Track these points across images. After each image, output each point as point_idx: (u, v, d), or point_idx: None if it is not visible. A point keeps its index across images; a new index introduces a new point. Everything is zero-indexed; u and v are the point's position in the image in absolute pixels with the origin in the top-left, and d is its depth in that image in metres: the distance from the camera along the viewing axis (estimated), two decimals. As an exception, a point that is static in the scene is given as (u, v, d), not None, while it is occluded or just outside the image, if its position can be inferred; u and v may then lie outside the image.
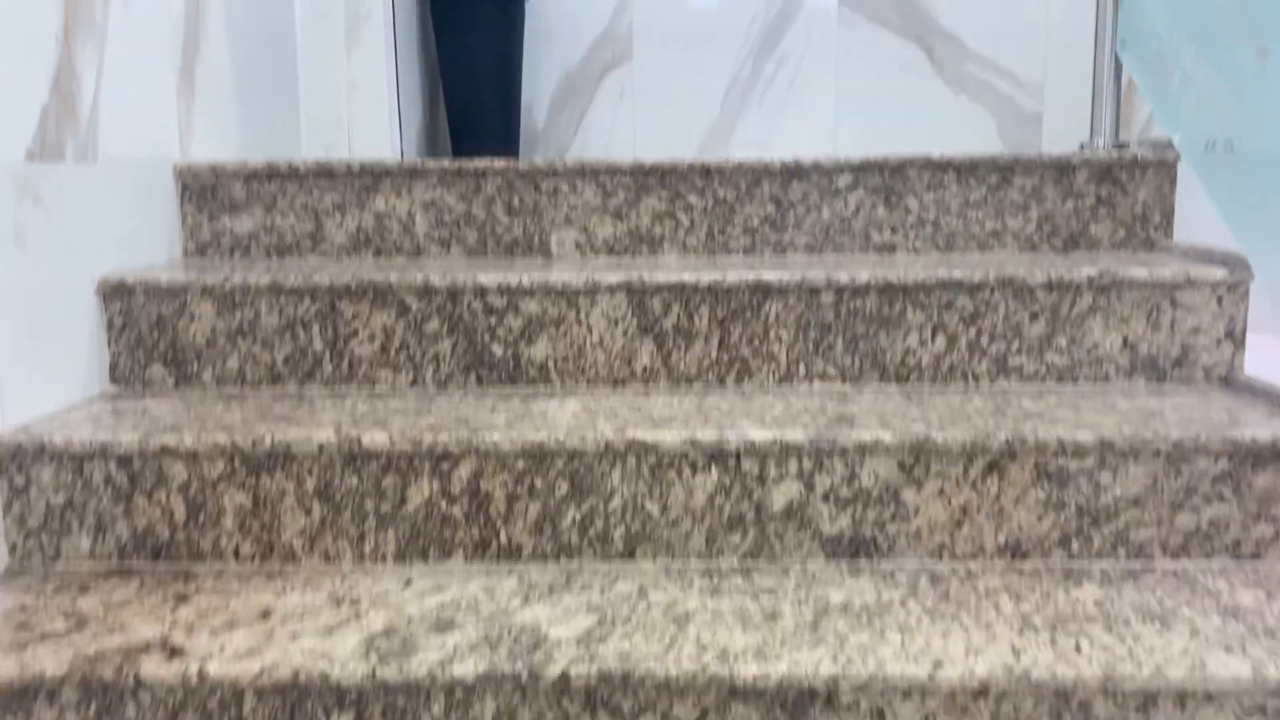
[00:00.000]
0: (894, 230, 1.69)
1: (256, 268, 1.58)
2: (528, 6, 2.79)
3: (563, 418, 1.32)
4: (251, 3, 2.02)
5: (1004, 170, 1.67)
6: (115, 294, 1.49)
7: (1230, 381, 1.44)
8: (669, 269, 1.52)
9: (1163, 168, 1.65)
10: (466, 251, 1.73)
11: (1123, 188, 1.67)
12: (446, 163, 1.71)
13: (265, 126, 2.08)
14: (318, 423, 1.31)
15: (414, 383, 1.50)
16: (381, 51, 2.51)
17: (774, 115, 2.93)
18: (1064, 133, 2.87)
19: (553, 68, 2.95)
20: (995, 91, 2.88)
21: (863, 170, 1.68)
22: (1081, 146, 1.79)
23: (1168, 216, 1.67)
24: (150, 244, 1.65)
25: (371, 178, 1.72)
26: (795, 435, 1.24)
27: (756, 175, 1.69)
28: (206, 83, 1.81)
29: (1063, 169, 1.67)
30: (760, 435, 1.24)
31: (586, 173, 1.70)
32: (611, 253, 1.72)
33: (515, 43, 2.74)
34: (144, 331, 1.50)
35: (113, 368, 1.51)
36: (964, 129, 2.89)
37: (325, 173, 1.71)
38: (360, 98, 2.53)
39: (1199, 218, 1.62)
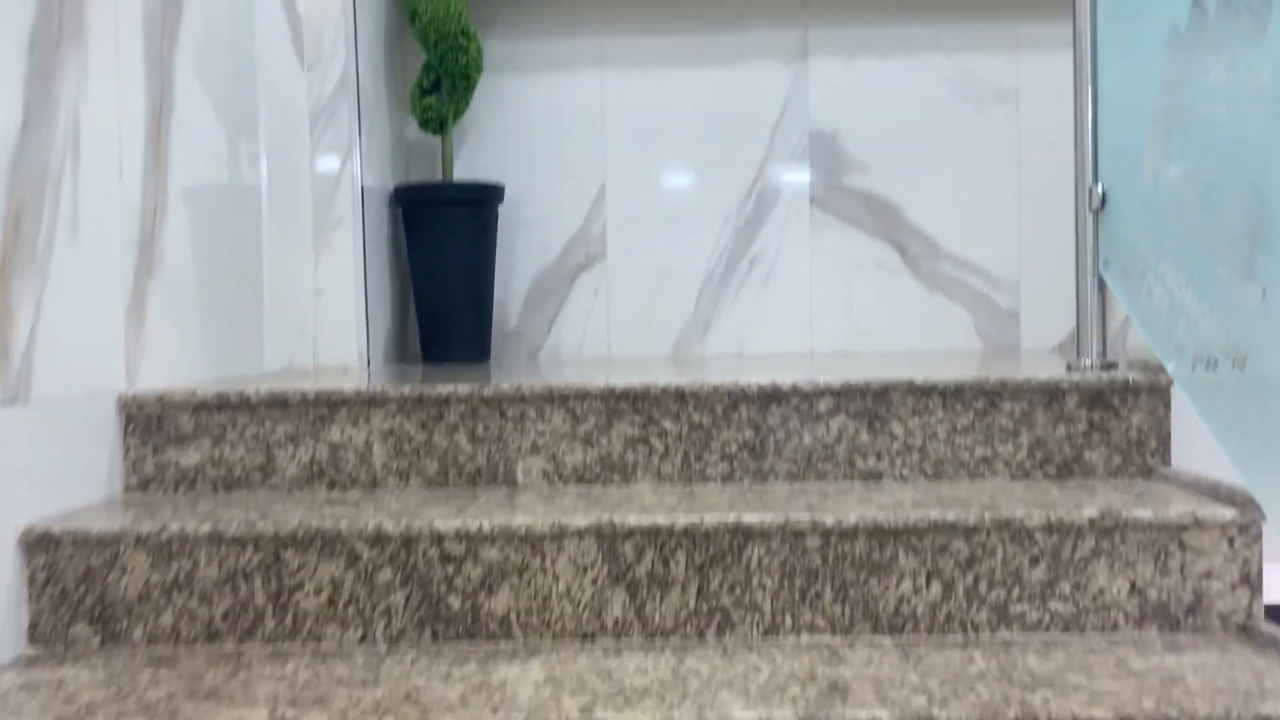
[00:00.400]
0: (879, 457, 1.61)
1: (198, 512, 1.47)
2: (501, 209, 2.78)
3: (524, 691, 1.19)
4: (217, 215, 1.98)
5: (991, 395, 1.60)
6: (39, 546, 1.37)
7: (1250, 632, 1.34)
8: (642, 504, 1.42)
9: (1156, 391, 1.59)
10: (426, 483, 1.63)
11: (1115, 412, 1.60)
12: (407, 389, 1.63)
13: (226, 339, 2.01)
14: (251, 699, 1.18)
15: (363, 639, 1.37)
16: (350, 258, 2.47)
17: (749, 312, 2.90)
18: (1042, 330, 2.85)
19: (526, 267, 2.92)
20: (970, 289, 2.86)
21: (844, 395, 1.61)
22: (1069, 367, 1.73)
23: (1165, 442, 1.59)
24: (87, 482, 1.54)
25: (327, 407, 1.63)
26: (784, 715, 1.11)
27: (733, 399, 1.62)
28: (160, 305, 1.74)
29: (1052, 393, 1.60)
30: (744, 716, 1.11)
31: (555, 398, 1.62)
32: (581, 481, 1.62)
33: (488, 246, 2.72)
34: (70, 586, 1.37)
35: (32, 627, 1.37)
36: (941, 326, 2.87)
37: (278, 403, 1.62)
38: (327, 305, 2.47)
39: (1198, 442, 1.54)
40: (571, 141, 2.91)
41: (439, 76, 2.66)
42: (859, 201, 2.88)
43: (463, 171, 2.88)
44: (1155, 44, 1.54)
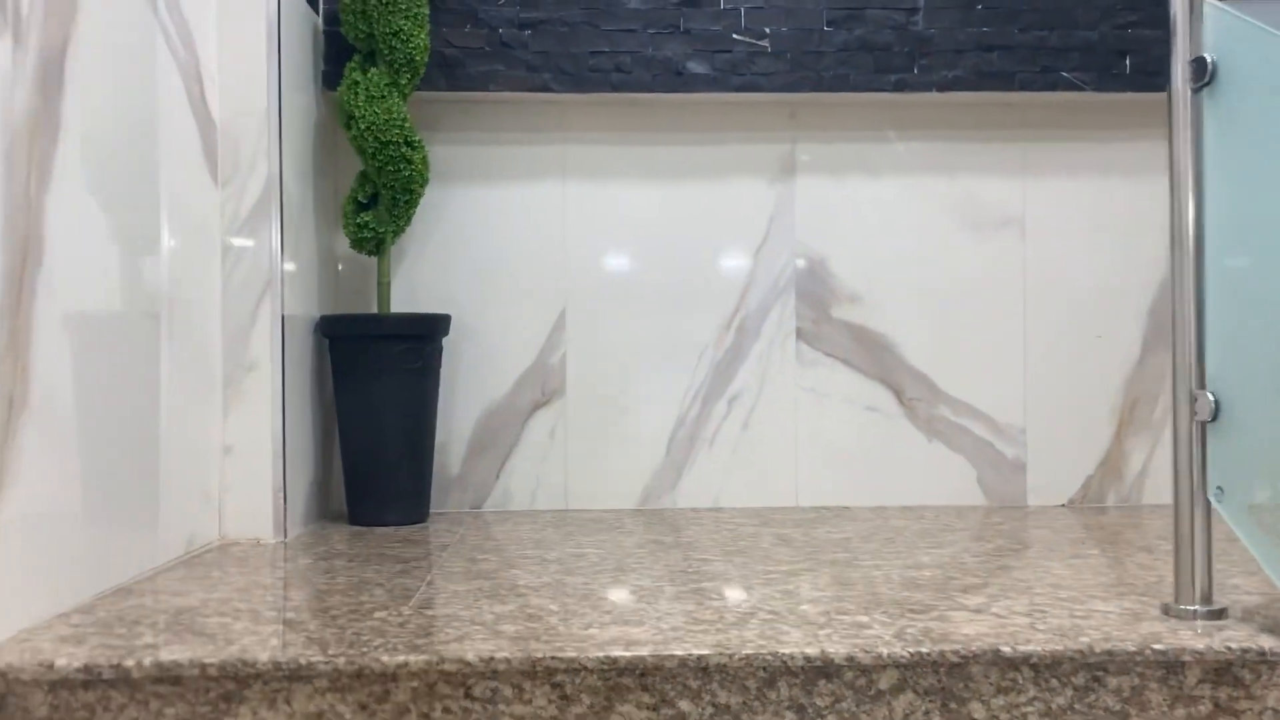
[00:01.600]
0: (955, 749, 1.26)
1: None
2: (445, 342, 2.40)
3: None
4: (105, 371, 1.56)
5: (1094, 668, 1.27)
6: None
7: None
8: None
9: (1296, 666, 1.27)
10: (367, 784, 1.23)
11: (1247, 690, 1.27)
12: (342, 661, 1.23)
13: (108, 535, 1.58)
14: None
15: None
16: (267, 408, 2.07)
17: (728, 460, 2.56)
18: (1051, 484, 2.56)
19: (472, 403, 2.54)
20: (972, 437, 2.56)
21: (912, 669, 1.26)
22: (1166, 610, 1.41)
23: (1308, 730, 1.28)
24: (-112, 808, 1.11)
25: (234, 683, 1.22)
26: None
27: (771, 673, 1.25)
28: (8, 531, 1.32)
29: (1169, 667, 1.27)
30: None
31: (538, 672, 1.24)
32: (571, 779, 1.24)
33: (430, 388, 2.33)
34: None
35: None
36: (940, 477, 2.55)
37: (169, 678, 1.21)
38: (237, 465, 2.06)
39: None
40: (528, 261, 2.55)
41: (377, 189, 2.29)
42: (850, 336, 2.57)
43: (400, 289, 2.49)
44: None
